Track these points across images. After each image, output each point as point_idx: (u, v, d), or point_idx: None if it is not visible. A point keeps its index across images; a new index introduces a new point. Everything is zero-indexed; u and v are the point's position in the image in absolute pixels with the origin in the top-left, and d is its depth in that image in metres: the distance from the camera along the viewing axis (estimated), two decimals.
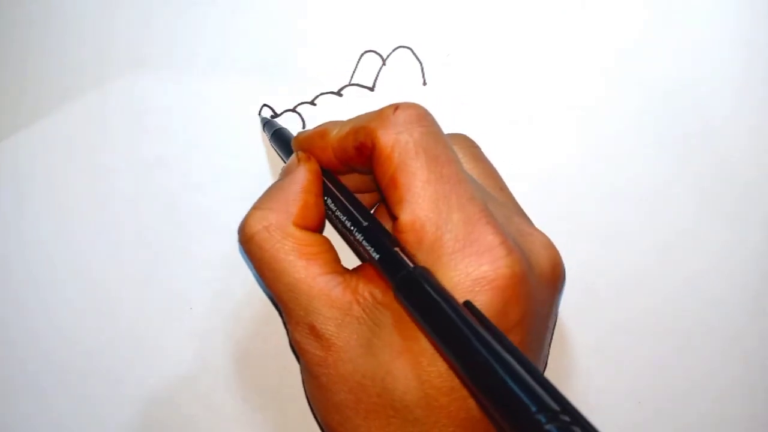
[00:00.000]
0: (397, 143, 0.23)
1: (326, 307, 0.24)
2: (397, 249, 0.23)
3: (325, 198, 0.26)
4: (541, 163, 0.33)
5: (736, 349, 0.31)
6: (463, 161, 0.26)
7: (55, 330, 0.32)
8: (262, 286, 0.31)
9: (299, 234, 0.25)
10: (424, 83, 0.34)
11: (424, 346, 0.22)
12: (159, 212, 0.33)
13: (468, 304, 0.21)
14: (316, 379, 0.24)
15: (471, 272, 0.22)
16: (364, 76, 0.34)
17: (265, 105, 0.34)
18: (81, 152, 0.33)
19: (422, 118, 0.24)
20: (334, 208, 0.26)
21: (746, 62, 0.34)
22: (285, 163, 0.29)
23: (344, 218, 0.25)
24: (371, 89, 0.34)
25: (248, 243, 0.25)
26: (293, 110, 0.34)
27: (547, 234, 0.26)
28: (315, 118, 0.34)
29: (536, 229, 0.25)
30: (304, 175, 0.26)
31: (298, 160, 0.27)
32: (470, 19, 0.34)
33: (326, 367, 0.24)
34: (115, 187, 0.33)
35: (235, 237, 0.32)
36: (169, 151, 0.33)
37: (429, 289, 0.21)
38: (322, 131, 0.27)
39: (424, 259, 0.23)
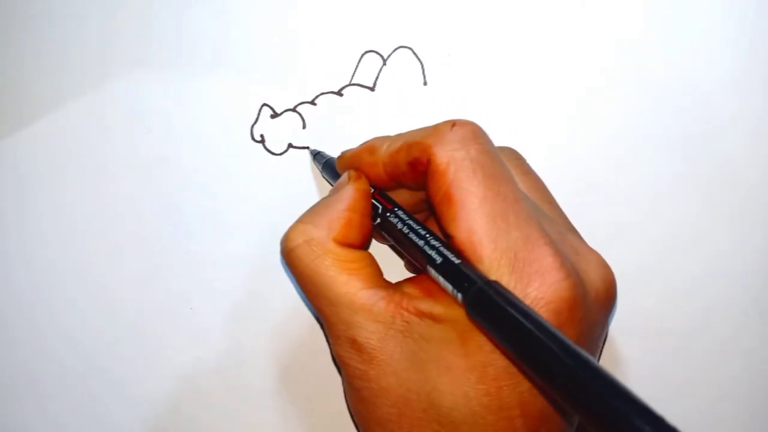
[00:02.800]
0: (453, 160, 0.23)
1: (368, 320, 0.24)
2: (462, 263, 0.22)
3: (385, 213, 0.26)
4: (542, 164, 0.33)
5: (737, 349, 0.31)
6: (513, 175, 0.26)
7: (55, 330, 0.31)
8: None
9: (339, 250, 0.25)
10: (425, 83, 0.34)
11: (473, 362, 0.22)
12: (159, 212, 0.33)
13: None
14: (357, 393, 0.24)
15: (529, 293, 0.21)
16: (365, 76, 0.34)
17: (265, 105, 0.34)
18: (81, 152, 0.33)
19: (478, 135, 0.24)
20: (395, 221, 0.26)
21: (748, 62, 0.33)
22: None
23: (406, 231, 0.25)
24: (372, 89, 0.34)
25: (289, 255, 0.25)
26: (293, 110, 0.34)
27: None
28: (315, 118, 0.34)
29: (589, 247, 0.25)
30: (351, 194, 0.26)
31: (349, 179, 0.27)
32: (471, 19, 0.34)
33: (368, 380, 0.24)
34: (115, 187, 0.33)
35: (235, 237, 0.32)
36: (169, 151, 0.33)
37: (512, 302, 0.20)
38: (370, 147, 0.27)
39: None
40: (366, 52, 0.34)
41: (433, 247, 0.24)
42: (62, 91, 0.34)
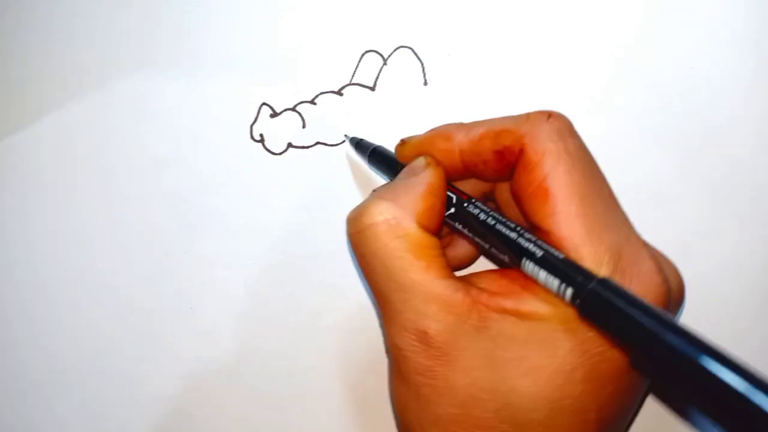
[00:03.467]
0: (549, 152, 0.22)
1: (443, 312, 0.22)
2: (567, 259, 0.21)
3: (462, 203, 0.25)
4: None
5: (741, 349, 0.31)
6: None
7: (57, 330, 0.31)
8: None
9: (421, 234, 0.23)
10: (425, 83, 0.34)
11: (562, 365, 0.21)
12: (162, 212, 0.32)
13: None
14: (416, 389, 0.23)
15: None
16: (365, 76, 0.34)
17: (264, 104, 0.34)
18: (86, 152, 0.33)
19: (573, 129, 0.23)
20: (477, 212, 0.24)
21: (754, 62, 0.34)
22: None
23: (492, 222, 0.24)
24: (372, 89, 0.34)
25: (363, 233, 0.23)
26: (293, 109, 0.34)
27: None
28: (315, 117, 0.34)
29: (658, 251, 0.25)
30: (432, 179, 0.24)
31: (427, 164, 0.25)
32: (471, 19, 0.34)
33: (433, 377, 0.22)
34: (119, 187, 0.33)
35: (235, 236, 0.32)
36: (169, 151, 0.33)
37: (634, 299, 0.19)
38: (445, 133, 0.25)
39: None
40: (366, 51, 0.34)
41: (530, 240, 0.22)
42: (65, 92, 0.34)
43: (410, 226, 0.23)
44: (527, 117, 0.23)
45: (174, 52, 0.34)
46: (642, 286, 0.21)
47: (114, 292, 0.32)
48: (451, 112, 0.33)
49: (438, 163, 0.25)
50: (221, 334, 0.31)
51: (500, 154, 0.24)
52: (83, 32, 0.34)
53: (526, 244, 0.22)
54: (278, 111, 0.34)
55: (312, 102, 0.34)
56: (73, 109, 0.34)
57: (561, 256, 0.22)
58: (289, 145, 0.33)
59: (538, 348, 0.21)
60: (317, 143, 0.33)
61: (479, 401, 0.21)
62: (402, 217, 0.23)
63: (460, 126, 0.25)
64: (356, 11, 0.34)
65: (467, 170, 0.25)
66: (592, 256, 0.21)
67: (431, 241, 0.23)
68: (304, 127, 0.34)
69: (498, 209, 0.27)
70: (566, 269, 0.21)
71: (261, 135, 0.33)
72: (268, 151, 0.33)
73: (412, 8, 0.34)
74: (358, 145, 0.31)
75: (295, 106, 0.34)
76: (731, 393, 0.16)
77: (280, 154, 0.33)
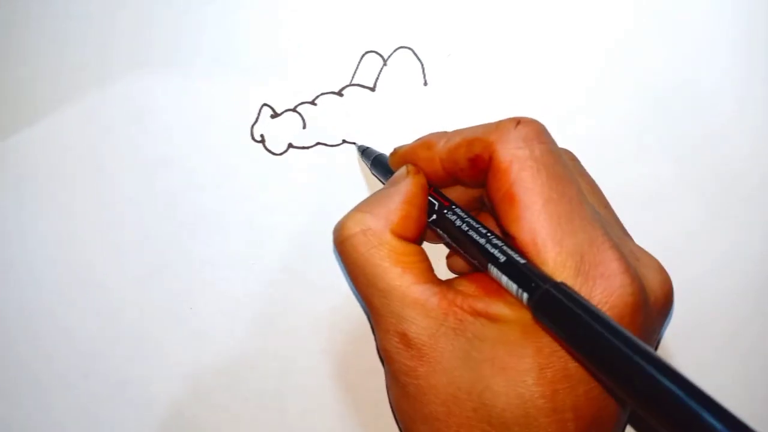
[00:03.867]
0: (516, 158, 0.23)
1: (420, 316, 0.23)
2: (527, 263, 0.22)
3: (442, 210, 0.26)
4: None
5: (736, 350, 0.31)
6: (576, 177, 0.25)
7: (56, 330, 0.31)
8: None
9: (396, 242, 0.24)
10: (425, 83, 0.34)
11: (531, 364, 0.21)
12: (162, 213, 0.33)
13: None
14: (403, 389, 0.24)
15: (593, 296, 0.21)
16: (365, 76, 0.34)
17: (265, 105, 0.34)
18: (82, 153, 0.33)
19: (542, 134, 0.24)
20: (453, 219, 0.25)
21: (747, 62, 0.34)
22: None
23: (466, 228, 0.24)
24: (372, 89, 0.34)
25: (343, 244, 0.25)
26: (293, 110, 0.34)
27: None
28: (315, 118, 0.34)
29: (645, 251, 0.25)
30: (409, 187, 0.25)
31: (407, 173, 0.26)
32: (471, 19, 0.34)
33: (416, 377, 0.23)
34: (116, 188, 0.33)
35: (235, 237, 0.32)
36: (170, 151, 0.33)
37: (582, 304, 0.20)
38: (427, 142, 0.26)
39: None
40: (366, 52, 0.34)
41: (495, 246, 0.23)
42: (62, 92, 0.34)
43: (385, 236, 0.24)
44: (497, 125, 0.24)
45: (173, 52, 0.34)
46: (606, 286, 0.21)
47: (113, 292, 0.32)
48: (451, 113, 0.33)
49: (419, 171, 0.26)
50: (221, 334, 0.31)
51: (473, 161, 0.24)
52: (80, 32, 0.35)
53: (492, 250, 0.23)
54: (279, 112, 0.34)
55: (312, 103, 0.34)
56: (70, 110, 0.34)
57: (522, 261, 0.22)
58: (290, 145, 0.33)
59: (508, 348, 0.22)
60: (318, 144, 0.33)
61: (458, 400, 0.22)
62: (377, 227, 0.24)
63: (441, 135, 0.26)
64: (356, 12, 0.34)
65: (450, 177, 0.26)
66: (554, 260, 0.22)
67: (408, 248, 0.24)
68: (304, 127, 0.34)
69: (488, 214, 0.28)
70: (523, 274, 0.22)
71: (262, 135, 0.33)
72: (269, 151, 0.33)
73: (412, 8, 0.34)
74: (365, 152, 0.32)
75: (296, 106, 0.34)
76: (672, 399, 0.17)
77: (281, 154, 0.33)
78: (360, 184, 0.33)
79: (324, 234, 0.32)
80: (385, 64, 0.34)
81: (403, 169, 0.27)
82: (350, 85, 0.34)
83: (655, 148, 0.33)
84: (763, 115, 0.33)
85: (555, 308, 0.20)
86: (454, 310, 0.23)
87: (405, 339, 0.23)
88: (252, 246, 0.32)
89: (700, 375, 0.30)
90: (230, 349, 0.31)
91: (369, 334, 0.31)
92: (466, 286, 0.24)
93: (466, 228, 0.24)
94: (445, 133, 0.26)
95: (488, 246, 0.23)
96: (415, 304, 0.23)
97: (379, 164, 0.31)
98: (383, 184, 0.31)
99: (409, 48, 0.34)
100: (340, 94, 0.34)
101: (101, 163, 0.33)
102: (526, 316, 0.22)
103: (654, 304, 0.23)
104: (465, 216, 0.25)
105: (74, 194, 0.33)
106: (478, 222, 0.25)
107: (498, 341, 0.22)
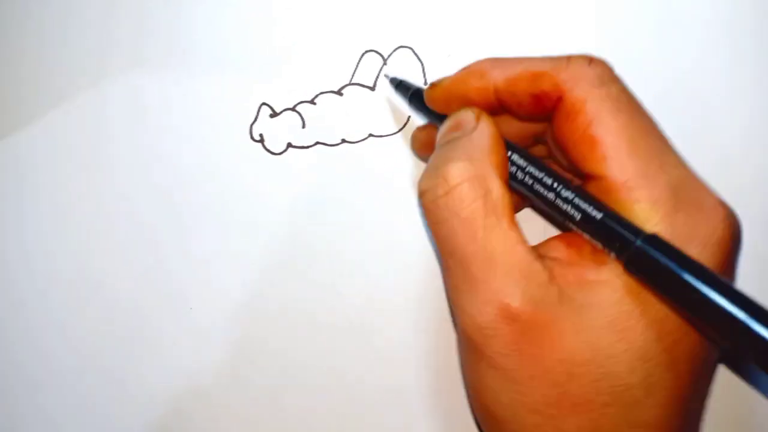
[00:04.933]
0: (591, 98, 0.22)
1: (527, 283, 0.20)
2: (606, 216, 0.20)
3: (510, 154, 0.23)
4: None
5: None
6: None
7: (54, 329, 0.31)
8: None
9: (503, 191, 0.21)
10: (425, 83, 0.34)
11: (649, 320, 0.20)
12: (158, 211, 0.32)
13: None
14: (503, 373, 0.21)
15: (698, 232, 0.20)
16: (365, 76, 0.34)
17: (264, 104, 0.34)
18: (79, 151, 0.33)
19: (615, 75, 0.23)
20: (526, 167, 0.22)
21: (743, 60, 0.34)
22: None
23: (549, 180, 0.22)
24: (372, 89, 0.34)
25: (445, 197, 0.22)
26: (293, 109, 0.34)
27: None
28: (315, 117, 0.34)
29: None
30: (491, 130, 0.23)
31: (476, 117, 0.23)
32: (471, 19, 0.34)
33: (521, 357, 0.20)
34: (114, 186, 0.33)
35: (235, 236, 0.32)
36: (168, 151, 0.33)
37: (678, 255, 0.19)
38: (479, 71, 0.24)
39: (644, 218, 0.20)
40: (366, 51, 0.34)
41: (566, 200, 0.21)
42: (61, 91, 0.34)
43: (493, 183, 0.21)
44: (568, 62, 0.23)
45: (172, 51, 0.34)
46: (707, 219, 0.21)
47: (112, 291, 0.32)
48: None
49: (487, 115, 0.24)
50: (220, 333, 0.31)
51: (537, 98, 0.23)
52: (78, 31, 0.34)
53: (564, 206, 0.21)
54: (278, 111, 0.34)
55: (312, 102, 0.34)
56: (68, 108, 0.34)
57: (599, 215, 0.21)
58: (289, 145, 0.33)
59: (623, 309, 0.20)
60: (317, 143, 0.33)
61: (575, 377, 0.20)
62: (483, 173, 0.22)
63: (495, 62, 0.24)
64: (356, 11, 0.34)
65: (502, 108, 0.24)
66: (650, 199, 0.21)
67: (509, 198, 0.22)
68: (303, 127, 0.34)
69: (550, 151, 0.26)
70: (604, 231, 0.20)
71: (261, 135, 0.33)
72: (268, 151, 0.33)
73: (412, 8, 0.34)
74: (399, 86, 0.30)
75: (295, 106, 0.34)
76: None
77: (280, 154, 0.33)
78: (360, 183, 0.33)
79: (323, 233, 0.32)
80: (385, 64, 0.34)
81: (469, 113, 0.24)
82: (350, 84, 0.34)
83: None
84: (757, 111, 0.33)
85: (648, 263, 0.19)
86: (555, 275, 0.21)
87: (508, 312, 0.20)
88: (251, 245, 0.32)
89: None
90: (229, 348, 0.31)
91: (369, 333, 0.31)
92: (559, 250, 0.22)
93: (530, 181, 0.22)
94: (499, 59, 0.24)
95: (558, 201, 0.21)
96: (522, 268, 0.21)
97: (417, 100, 0.29)
98: (423, 120, 0.30)
99: (409, 47, 0.34)
100: (339, 93, 0.34)
101: (99, 162, 0.33)
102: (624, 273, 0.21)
103: (739, 237, 0.23)
104: (525, 164, 0.23)
105: (72, 193, 0.33)
106: (543, 168, 0.22)
107: (610, 305, 0.20)
